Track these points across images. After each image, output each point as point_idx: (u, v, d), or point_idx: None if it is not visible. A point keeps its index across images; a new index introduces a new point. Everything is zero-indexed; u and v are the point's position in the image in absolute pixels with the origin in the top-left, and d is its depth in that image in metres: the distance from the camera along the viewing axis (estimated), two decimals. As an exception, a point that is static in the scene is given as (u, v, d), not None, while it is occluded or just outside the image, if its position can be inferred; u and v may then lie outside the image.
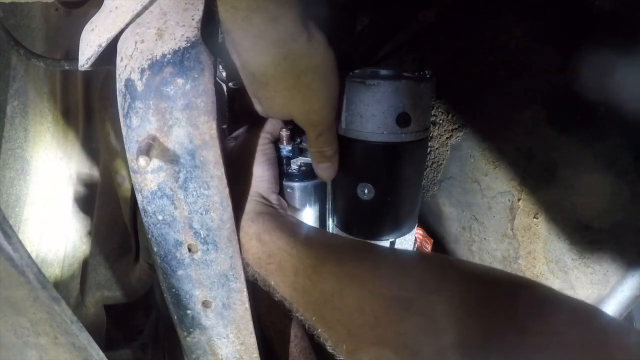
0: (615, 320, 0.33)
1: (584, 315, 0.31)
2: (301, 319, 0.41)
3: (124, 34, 0.37)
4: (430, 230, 0.85)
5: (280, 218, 0.46)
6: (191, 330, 0.44)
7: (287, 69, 0.39)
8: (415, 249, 0.66)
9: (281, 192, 0.51)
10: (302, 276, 0.40)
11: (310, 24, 0.38)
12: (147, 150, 0.33)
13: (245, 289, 0.42)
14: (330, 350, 0.39)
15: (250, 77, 0.42)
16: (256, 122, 0.51)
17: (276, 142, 0.51)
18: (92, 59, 0.38)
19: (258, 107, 0.46)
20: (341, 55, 0.42)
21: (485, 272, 0.37)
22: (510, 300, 0.32)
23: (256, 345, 0.45)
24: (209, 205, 0.38)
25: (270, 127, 0.50)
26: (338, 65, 0.42)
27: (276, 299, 0.43)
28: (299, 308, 0.41)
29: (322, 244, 0.43)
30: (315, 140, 0.47)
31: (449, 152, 0.78)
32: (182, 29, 0.36)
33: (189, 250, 0.39)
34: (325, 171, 0.49)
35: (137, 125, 0.36)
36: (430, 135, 0.77)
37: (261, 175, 0.47)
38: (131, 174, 0.38)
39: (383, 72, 0.48)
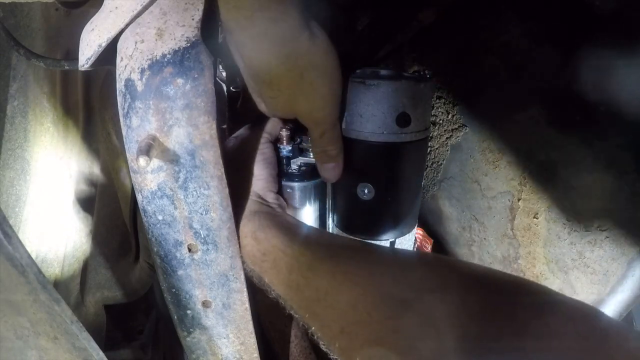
0: (614, 322, 0.33)
1: (584, 316, 0.31)
2: (295, 316, 0.41)
3: (124, 34, 0.37)
4: (430, 230, 0.85)
5: (277, 217, 0.46)
6: (191, 330, 0.44)
7: (290, 67, 0.39)
8: (415, 249, 0.66)
9: (281, 192, 0.51)
10: (297, 274, 0.40)
11: (311, 22, 0.38)
12: (147, 150, 0.33)
13: (245, 289, 0.42)
14: (324, 349, 0.39)
15: (255, 77, 0.42)
16: (257, 121, 0.51)
17: (276, 142, 0.51)
18: (92, 59, 0.38)
19: (262, 107, 0.47)
20: (342, 54, 0.43)
21: (485, 274, 0.37)
22: (510, 302, 0.31)
23: (256, 345, 0.45)
24: (209, 205, 0.38)
25: (270, 127, 0.50)
26: (340, 63, 0.42)
27: (271, 297, 0.43)
28: (293, 305, 0.41)
29: (319, 242, 0.43)
30: (319, 139, 0.46)
31: (449, 152, 0.78)
32: (182, 29, 0.36)
33: (189, 250, 0.39)
34: (330, 172, 0.49)
35: (137, 125, 0.36)
36: (430, 135, 0.77)
37: (257, 175, 0.47)
38: (131, 174, 0.38)
39: (383, 72, 0.48)
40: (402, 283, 0.37)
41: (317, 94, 0.42)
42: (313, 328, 0.39)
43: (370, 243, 0.51)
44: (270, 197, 0.48)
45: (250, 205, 0.46)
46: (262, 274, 0.43)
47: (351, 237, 0.53)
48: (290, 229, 0.44)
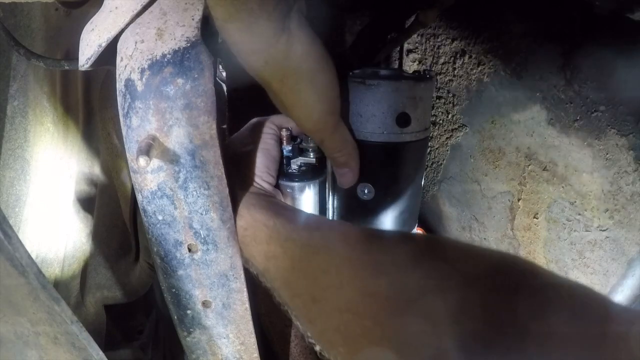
0: (620, 310, 0.32)
1: (587, 308, 0.30)
2: (270, 289, 0.41)
3: (124, 34, 0.37)
4: (430, 230, 0.85)
5: (264, 197, 0.45)
6: (191, 330, 0.44)
7: (271, 73, 0.38)
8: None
9: (279, 188, 0.51)
10: (275, 244, 0.39)
11: (291, 25, 0.36)
12: (147, 150, 0.33)
13: (245, 289, 0.42)
14: (295, 322, 0.38)
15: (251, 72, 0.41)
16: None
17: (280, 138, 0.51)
18: (92, 59, 0.38)
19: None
20: (341, 55, 0.42)
21: (483, 263, 0.35)
22: (512, 299, 0.31)
23: (256, 345, 0.45)
24: (209, 205, 0.38)
25: (278, 119, 0.50)
26: (331, 66, 0.40)
27: (251, 271, 0.43)
28: (269, 277, 0.40)
29: (302, 219, 0.42)
30: (321, 146, 0.45)
31: (449, 152, 0.78)
32: (182, 29, 0.36)
33: (189, 250, 0.39)
34: (343, 177, 0.48)
35: (137, 125, 0.36)
36: (430, 135, 0.77)
37: (256, 162, 0.47)
38: (131, 174, 0.38)
39: (383, 72, 0.48)
40: (380, 252, 0.36)
41: (301, 100, 0.40)
42: (286, 301, 0.38)
43: (359, 226, 0.50)
44: (265, 185, 0.47)
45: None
46: (243, 249, 0.42)
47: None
48: (274, 208, 0.43)
